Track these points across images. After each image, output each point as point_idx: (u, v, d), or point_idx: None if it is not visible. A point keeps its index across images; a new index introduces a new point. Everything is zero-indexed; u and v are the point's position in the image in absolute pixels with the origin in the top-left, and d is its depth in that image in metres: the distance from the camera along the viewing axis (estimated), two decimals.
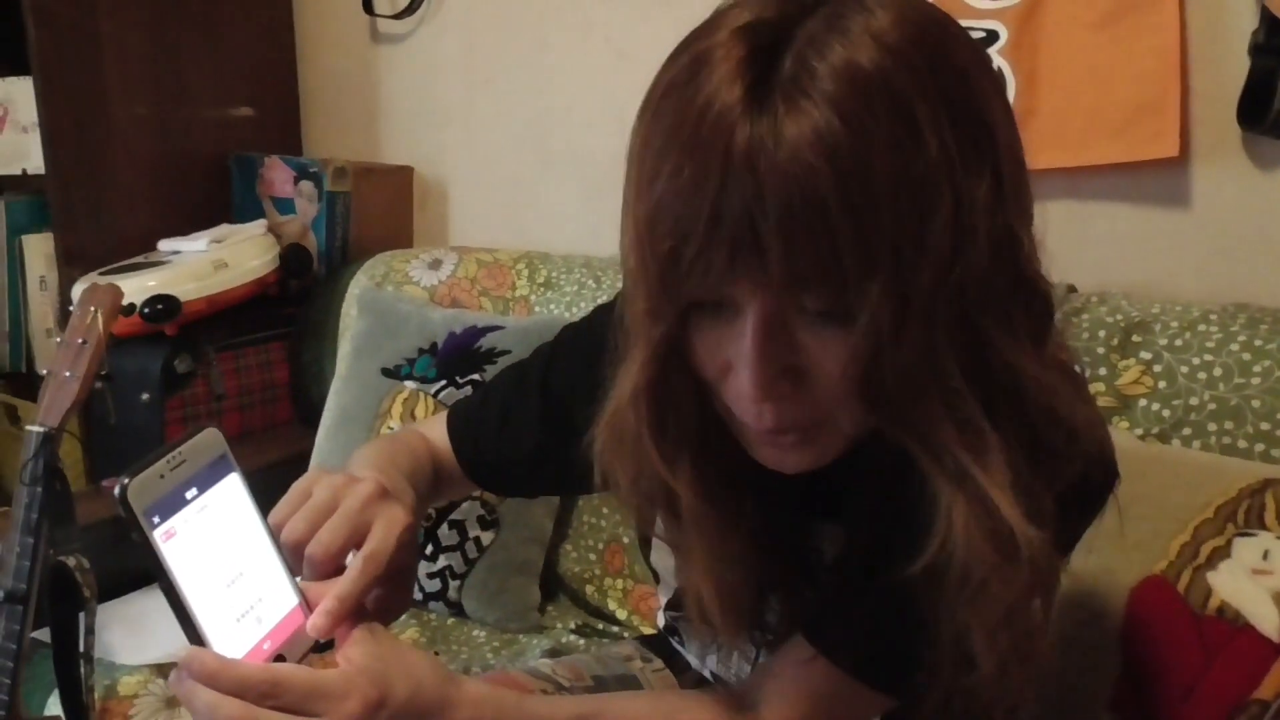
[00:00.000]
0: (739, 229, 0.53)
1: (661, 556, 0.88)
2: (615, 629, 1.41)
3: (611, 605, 1.42)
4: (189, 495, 0.58)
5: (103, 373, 1.18)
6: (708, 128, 0.53)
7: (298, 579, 0.63)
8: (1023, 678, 0.64)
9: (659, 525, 0.73)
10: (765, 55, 0.54)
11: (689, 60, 0.56)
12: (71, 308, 1.22)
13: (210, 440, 0.60)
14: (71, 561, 1.17)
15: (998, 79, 0.61)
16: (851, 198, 0.52)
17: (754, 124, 0.52)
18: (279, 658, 0.60)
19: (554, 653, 1.30)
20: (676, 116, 0.55)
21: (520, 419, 0.85)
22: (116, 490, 0.55)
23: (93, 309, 1.18)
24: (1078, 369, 0.68)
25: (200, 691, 0.57)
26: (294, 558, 0.65)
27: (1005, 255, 0.57)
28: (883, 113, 0.52)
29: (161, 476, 0.57)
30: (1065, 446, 0.62)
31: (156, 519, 0.56)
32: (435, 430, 0.90)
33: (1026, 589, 0.61)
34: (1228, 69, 1.19)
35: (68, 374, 1.16)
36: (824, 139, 0.51)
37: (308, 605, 0.62)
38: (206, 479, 0.60)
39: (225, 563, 0.60)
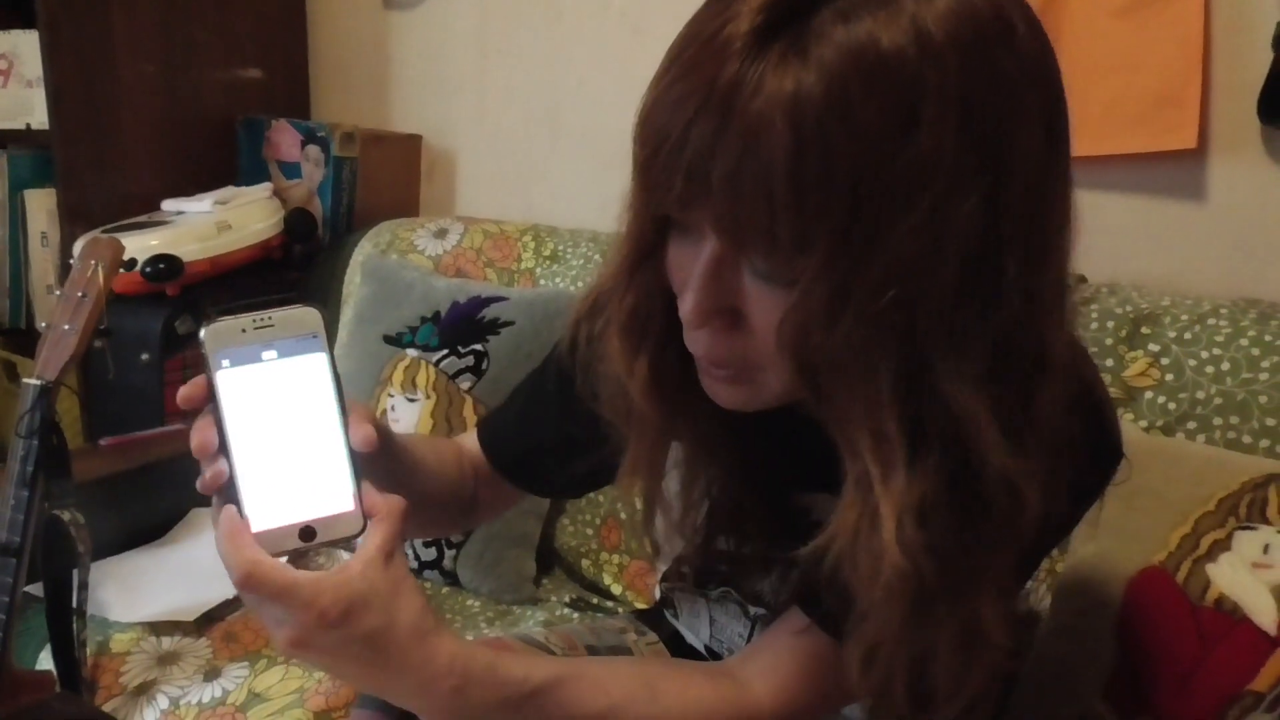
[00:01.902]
0: (696, 161, 0.53)
1: (663, 529, 0.88)
2: (610, 604, 1.41)
3: (607, 580, 1.42)
4: (265, 355, 0.59)
5: (102, 327, 1.17)
6: (709, 52, 0.52)
7: (361, 480, 0.61)
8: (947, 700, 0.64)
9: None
10: (799, 2, 0.52)
11: None
12: (72, 261, 1.21)
13: (306, 316, 0.61)
14: (66, 516, 1.17)
15: (1052, 102, 0.56)
16: (802, 169, 0.50)
17: (745, 64, 0.51)
18: (308, 530, 0.59)
19: (548, 625, 1.30)
20: (696, 28, 0.55)
21: (541, 407, 0.85)
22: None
23: (93, 262, 1.16)
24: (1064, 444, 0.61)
25: (222, 542, 0.57)
26: None
27: (977, 283, 0.54)
28: (879, 98, 0.50)
29: (243, 330, 0.59)
30: (1005, 501, 0.58)
31: (226, 362, 0.58)
32: (469, 439, 0.89)
33: (903, 620, 0.60)
34: (1249, 62, 1.18)
35: (66, 327, 1.15)
36: (798, 104, 0.50)
37: (363, 504, 0.60)
38: (290, 348, 0.60)
39: (284, 429, 0.59)
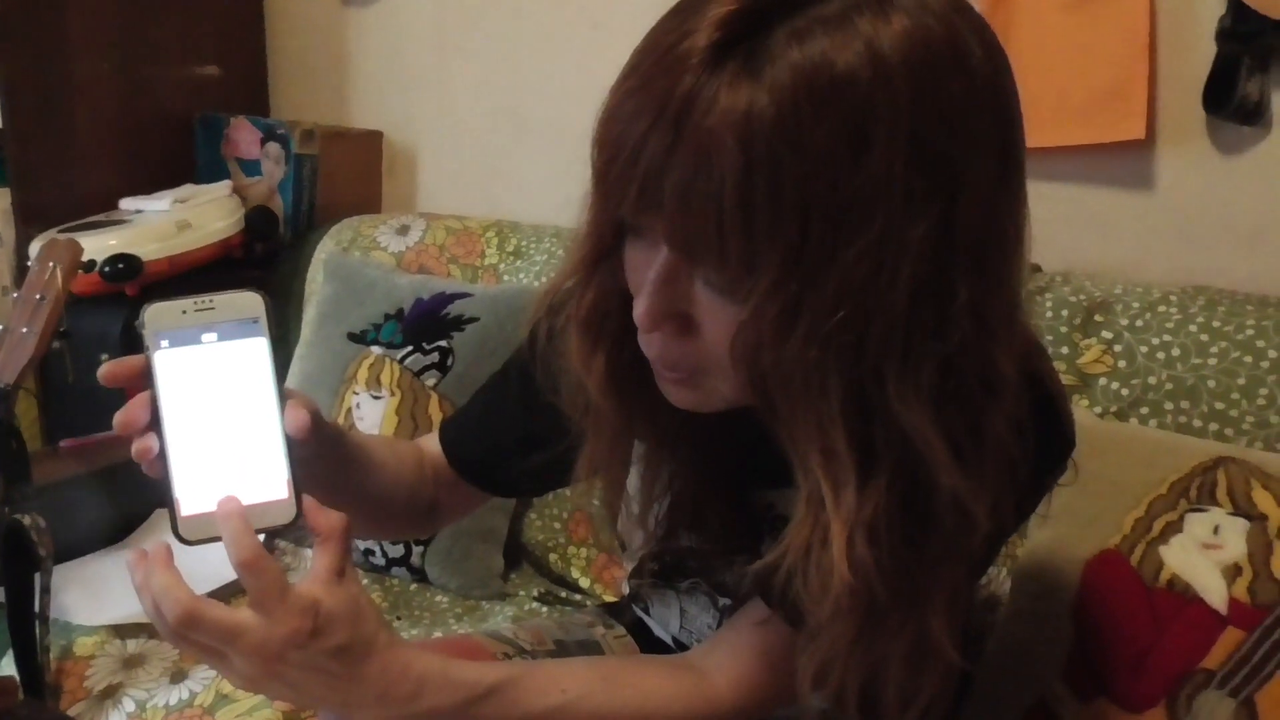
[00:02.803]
0: (649, 174, 0.53)
1: (627, 525, 0.89)
2: (578, 597, 1.41)
3: (575, 574, 1.43)
4: (205, 338, 0.60)
5: (61, 330, 1.16)
6: (665, 64, 0.53)
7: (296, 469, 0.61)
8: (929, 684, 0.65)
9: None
10: (755, 19, 0.52)
11: None
12: (30, 263, 1.19)
13: (248, 301, 0.61)
14: (27, 520, 1.16)
15: (1006, 126, 0.56)
16: (750, 189, 0.51)
17: (699, 80, 0.52)
18: None
19: (517, 620, 1.30)
20: (654, 39, 0.55)
21: (501, 408, 0.85)
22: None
23: (51, 264, 1.16)
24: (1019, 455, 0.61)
25: (153, 578, 0.57)
26: None
27: (928, 306, 0.54)
28: (830, 120, 0.50)
29: (184, 312, 0.60)
30: (954, 520, 0.59)
31: (165, 343, 0.59)
32: (429, 442, 0.89)
33: (851, 634, 0.61)
34: (1194, 54, 1.21)
35: (25, 330, 1.14)
36: (750, 120, 0.50)
37: (297, 490, 0.60)
38: (230, 331, 0.60)
39: (219, 413, 0.59)
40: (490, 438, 0.86)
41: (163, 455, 0.58)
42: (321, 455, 0.68)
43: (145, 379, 0.59)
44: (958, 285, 0.55)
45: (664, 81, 0.53)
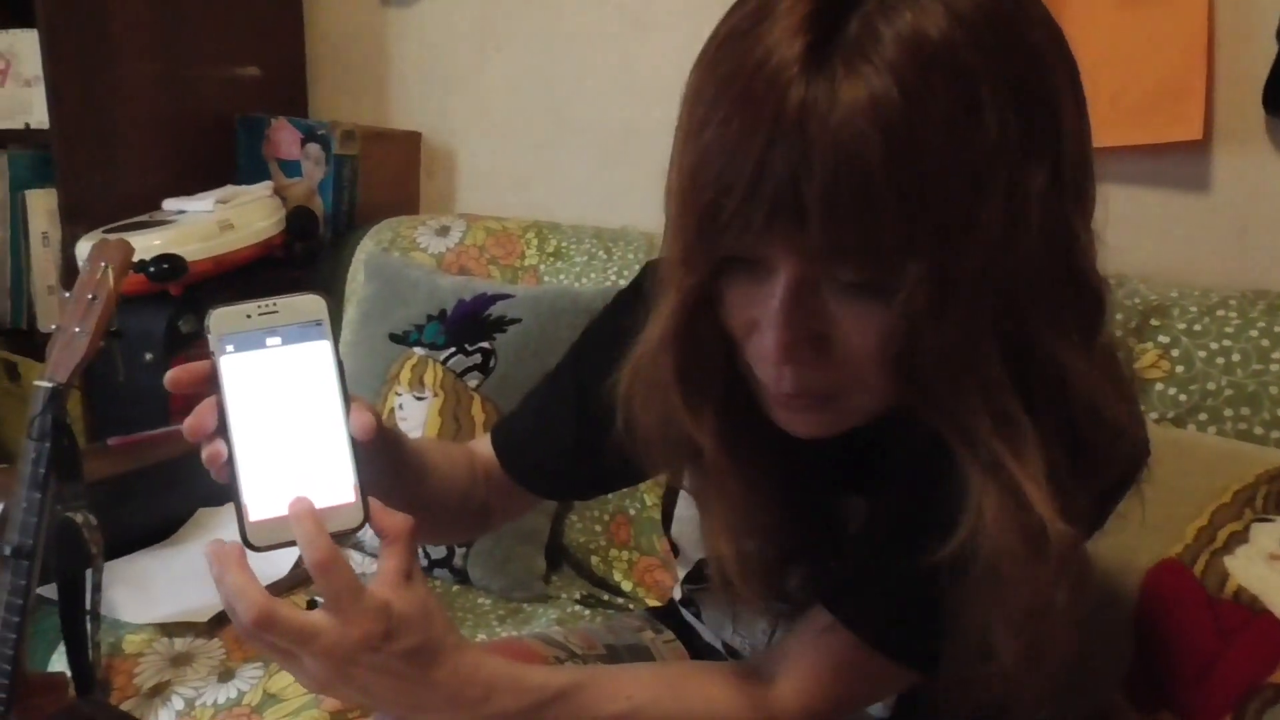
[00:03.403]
0: (781, 190, 0.52)
1: (683, 529, 0.88)
2: (620, 600, 1.41)
3: (617, 577, 1.42)
4: (269, 341, 0.60)
5: (112, 329, 1.17)
6: (762, 81, 0.52)
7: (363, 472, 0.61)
8: (1042, 674, 0.64)
9: (685, 477, 0.73)
10: (832, 13, 0.52)
11: (753, 8, 0.55)
12: (81, 263, 1.20)
13: (310, 303, 0.61)
14: (79, 518, 1.16)
15: (1073, 67, 0.58)
16: (900, 172, 0.51)
17: (810, 84, 0.51)
18: None
19: (561, 622, 1.30)
20: (732, 65, 0.54)
21: (555, 413, 0.85)
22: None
23: (103, 264, 1.16)
24: (1125, 369, 0.67)
25: (227, 576, 0.57)
26: None
27: (1058, 248, 0.56)
28: (944, 88, 0.51)
29: (248, 316, 0.60)
30: (1107, 447, 0.61)
31: (230, 348, 0.59)
32: (482, 445, 0.89)
33: (1051, 585, 0.60)
34: (1254, 53, 1.18)
35: (77, 329, 1.14)
36: (879, 107, 0.50)
37: (364, 494, 0.60)
38: (294, 335, 0.60)
39: (286, 417, 0.59)
40: (543, 442, 0.86)
41: (230, 460, 0.58)
42: (380, 458, 0.68)
43: (211, 384, 0.59)
44: (1075, 225, 0.57)
45: (768, 99, 0.52)
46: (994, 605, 0.61)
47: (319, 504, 0.58)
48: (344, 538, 0.59)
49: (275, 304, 0.60)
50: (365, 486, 0.60)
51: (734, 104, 0.53)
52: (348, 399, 0.61)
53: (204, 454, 0.59)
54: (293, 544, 0.57)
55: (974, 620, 0.62)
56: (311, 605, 0.59)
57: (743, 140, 0.52)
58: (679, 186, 0.57)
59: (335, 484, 0.59)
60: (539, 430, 0.87)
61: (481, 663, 0.63)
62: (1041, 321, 0.56)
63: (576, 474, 0.86)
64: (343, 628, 0.57)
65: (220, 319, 0.59)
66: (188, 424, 0.59)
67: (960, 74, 0.52)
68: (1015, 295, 0.55)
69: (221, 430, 0.58)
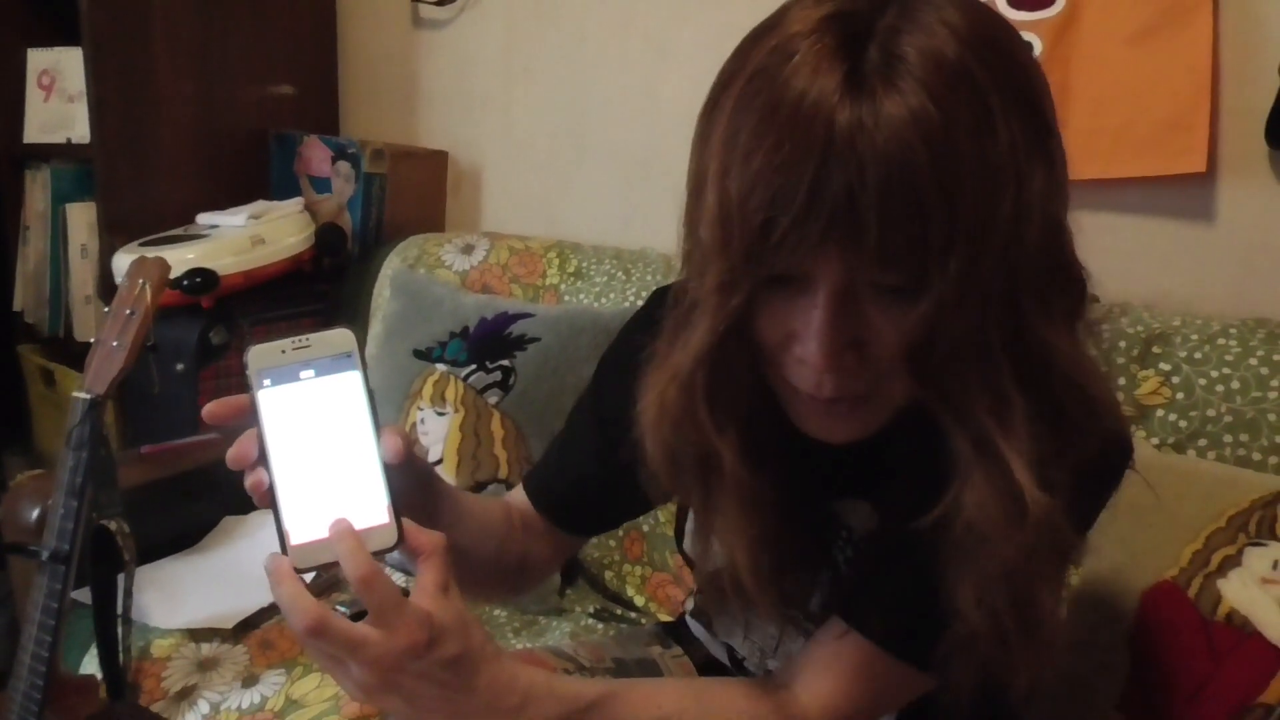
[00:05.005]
0: (837, 203, 0.57)
1: (696, 543, 0.91)
2: (633, 614, 1.44)
3: (630, 591, 1.45)
4: (303, 374, 0.63)
5: (148, 343, 1.21)
6: (806, 109, 0.57)
7: (396, 494, 0.64)
8: (1033, 655, 0.67)
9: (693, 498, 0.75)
10: (852, 44, 0.58)
11: (773, 48, 0.60)
12: (117, 276, 1.25)
13: (340, 338, 0.65)
14: (113, 525, 1.21)
15: (1046, 80, 0.64)
16: (943, 177, 0.56)
17: (854, 107, 0.56)
18: None
19: (574, 636, 1.33)
20: (772, 98, 0.58)
21: (580, 447, 0.88)
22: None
23: (141, 281, 1.21)
24: (1100, 355, 0.72)
25: (279, 589, 0.60)
26: None
27: (1052, 240, 0.62)
28: (965, 99, 0.57)
29: (283, 351, 0.63)
30: (1087, 422, 0.65)
31: (267, 382, 0.63)
32: (515, 495, 0.91)
33: (1028, 550, 0.64)
34: (1257, 88, 1.21)
35: (115, 343, 1.19)
36: (920, 120, 0.56)
37: (397, 515, 0.63)
38: (326, 367, 0.64)
39: (321, 445, 0.63)
40: (570, 476, 0.89)
41: (270, 488, 0.62)
42: (413, 486, 0.71)
43: (251, 416, 0.63)
44: (1062, 218, 0.63)
45: (816, 123, 0.57)
46: (969, 570, 0.66)
47: (356, 526, 0.62)
48: (379, 557, 0.62)
49: (308, 339, 0.64)
50: (399, 508, 0.63)
51: (783, 130, 0.57)
52: (378, 425, 0.64)
53: (247, 483, 0.63)
54: (332, 565, 0.61)
55: (959, 589, 0.66)
56: (356, 618, 0.62)
57: (797, 163, 0.57)
58: (722, 213, 0.60)
59: (370, 506, 0.63)
60: (565, 465, 0.90)
61: (518, 672, 0.66)
62: (1035, 306, 0.61)
63: (605, 504, 0.90)
64: (389, 638, 0.60)
65: (258, 356, 0.63)
66: (231, 455, 0.63)
67: (975, 87, 0.57)
68: (1017, 284, 0.60)
69: (262, 459, 0.62)
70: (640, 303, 1.01)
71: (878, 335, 0.62)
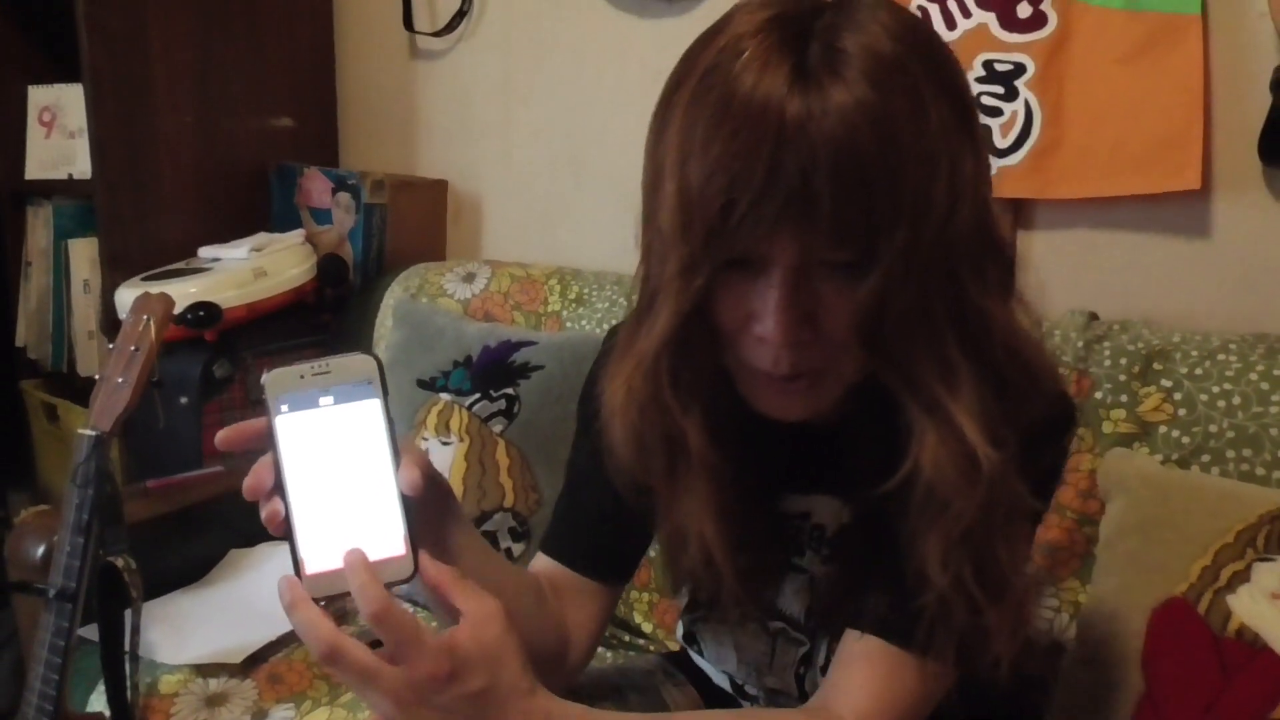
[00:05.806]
0: (792, 185, 0.61)
1: (664, 532, 0.91)
2: (640, 641, 1.44)
3: (637, 618, 1.45)
4: (322, 401, 0.62)
5: (153, 379, 1.22)
6: (759, 100, 0.61)
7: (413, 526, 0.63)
8: (1005, 619, 0.70)
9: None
10: (795, 42, 0.63)
11: (722, 47, 0.64)
12: (120, 311, 1.25)
13: (361, 364, 0.64)
14: (120, 562, 1.21)
15: (965, 72, 0.71)
16: (887, 158, 0.61)
17: (803, 96, 0.61)
18: None
19: None
20: (725, 92, 0.62)
21: (588, 491, 0.88)
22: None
23: (145, 317, 1.21)
24: (1034, 325, 0.76)
25: (294, 614, 0.60)
26: None
27: (983, 217, 0.68)
28: (900, 88, 0.62)
29: (301, 376, 0.63)
30: (1027, 383, 0.71)
31: (285, 407, 0.62)
32: (539, 563, 0.91)
33: (985, 506, 0.67)
34: (1250, 105, 1.22)
35: (120, 380, 1.19)
36: (865, 107, 0.61)
37: (414, 546, 0.62)
38: (345, 393, 0.63)
39: (338, 473, 0.62)
40: (584, 520, 0.90)
41: (286, 516, 0.61)
42: (429, 510, 0.71)
43: (268, 442, 0.62)
44: (989, 199, 0.69)
45: (769, 113, 0.61)
46: (931, 532, 0.68)
47: (371, 557, 0.61)
48: (394, 588, 0.61)
49: (328, 364, 0.63)
50: (415, 539, 0.63)
51: (738, 120, 0.61)
52: (398, 454, 0.63)
53: (263, 513, 0.63)
54: (347, 595, 0.60)
55: (926, 556, 0.69)
56: (375, 645, 0.62)
57: (752, 149, 0.61)
58: (682, 200, 0.64)
59: (386, 537, 0.62)
60: (580, 512, 0.90)
61: (554, 709, 0.66)
62: (971, 278, 0.66)
63: (632, 536, 0.90)
64: (405, 672, 0.60)
65: (275, 380, 0.62)
66: (247, 484, 0.63)
67: (908, 77, 0.63)
68: (955, 258, 0.65)
69: (278, 487, 0.61)
70: None
71: (830, 310, 0.66)
